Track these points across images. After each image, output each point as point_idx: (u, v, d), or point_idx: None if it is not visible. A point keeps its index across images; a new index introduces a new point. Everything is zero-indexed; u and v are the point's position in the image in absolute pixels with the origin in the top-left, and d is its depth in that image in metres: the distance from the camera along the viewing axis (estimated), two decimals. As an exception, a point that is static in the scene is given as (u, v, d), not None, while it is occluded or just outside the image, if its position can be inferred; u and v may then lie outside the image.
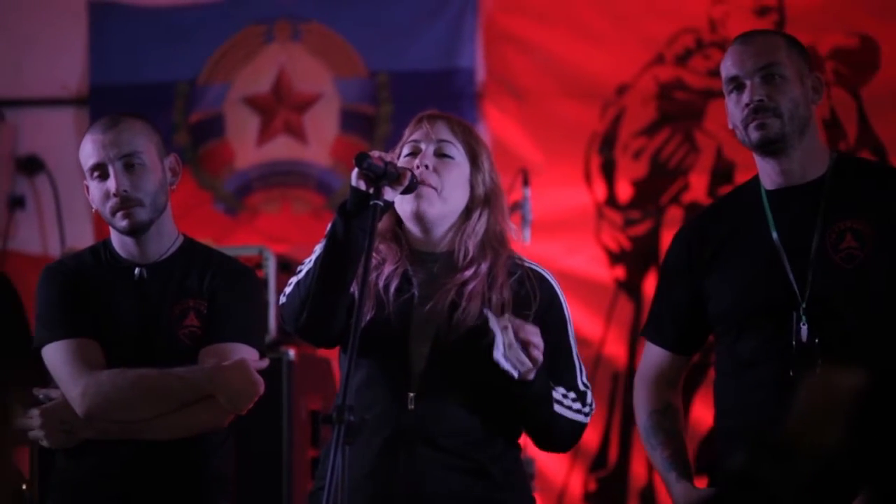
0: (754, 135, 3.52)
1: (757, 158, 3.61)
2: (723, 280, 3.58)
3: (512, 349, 3.25)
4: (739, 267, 3.57)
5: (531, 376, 3.29)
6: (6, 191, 6.65)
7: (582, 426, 3.46)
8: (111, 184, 3.66)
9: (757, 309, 3.53)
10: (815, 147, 3.57)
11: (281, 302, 3.45)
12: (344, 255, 3.29)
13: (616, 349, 6.29)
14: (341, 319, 3.37)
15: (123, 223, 3.68)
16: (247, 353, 3.68)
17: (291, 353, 5.19)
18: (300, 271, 3.41)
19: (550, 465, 6.16)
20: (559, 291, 3.49)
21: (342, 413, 3.00)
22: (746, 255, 3.57)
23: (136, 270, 3.72)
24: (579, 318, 6.07)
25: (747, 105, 3.52)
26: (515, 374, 3.27)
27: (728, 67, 3.57)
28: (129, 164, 3.66)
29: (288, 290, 3.43)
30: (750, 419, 3.51)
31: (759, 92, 3.51)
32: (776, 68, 3.53)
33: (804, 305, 3.47)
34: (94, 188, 3.70)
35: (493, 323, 3.26)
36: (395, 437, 3.35)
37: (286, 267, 5.36)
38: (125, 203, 3.66)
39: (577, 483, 6.28)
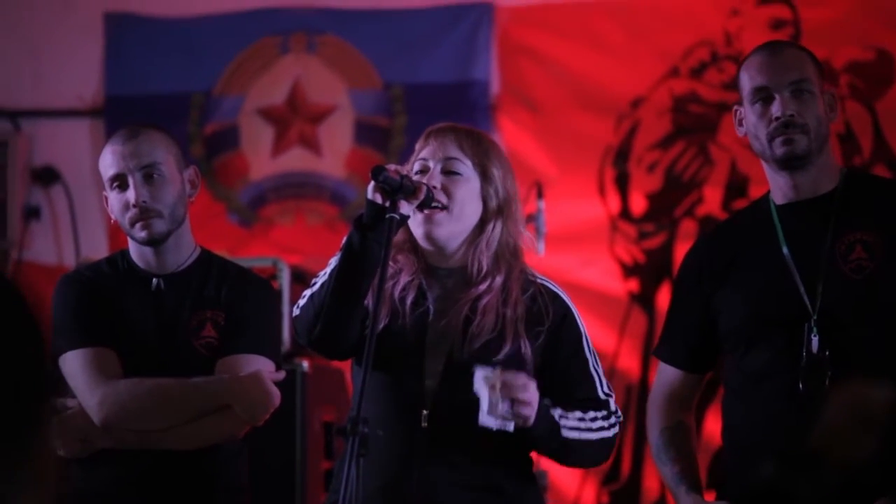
0: (780, 150, 3.50)
1: (769, 172, 3.59)
2: (733, 294, 3.57)
3: (498, 408, 3.23)
4: (749, 281, 3.56)
5: (529, 423, 3.28)
6: (22, 201, 6.66)
7: (609, 441, 3.43)
8: (130, 195, 3.67)
9: (767, 322, 3.52)
10: (829, 163, 3.57)
11: (294, 314, 3.44)
12: (359, 267, 3.29)
13: (629, 362, 6.29)
14: (355, 332, 3.36)
15: (142, 234, 3.69)
16: (263, 365, 3.68)
17: (305, 364, 5.20)
18: (314, 284, 3.40)
19: (563, 478, 6.15)
20: (572, 306, 3.47)
21: (356, 425, 3.00)
22: (757, 269, 3.56)
23: (154, 281, 3.73)
24: (593, 331, 6.01)
25: (776, 119, 3.49)
26: (510, 428, 3.26)
27: (755, 77, 3.53)
28: (149, 175, 3.67)
29: (302, 302, 3.42)
30: (759, 432, 3.50)
31: (790, 107, 3.48)
32: (806, 84, 3.50)
33: (815, 317, 3.45)
34: (114, 199, 3.71)
35: (479, 383, 3.24)
36: (408, 455, 3.34)
37: (300, 278, 5.36)
38: (144, 214, 3.67)
39: (589, 496, 6.27)
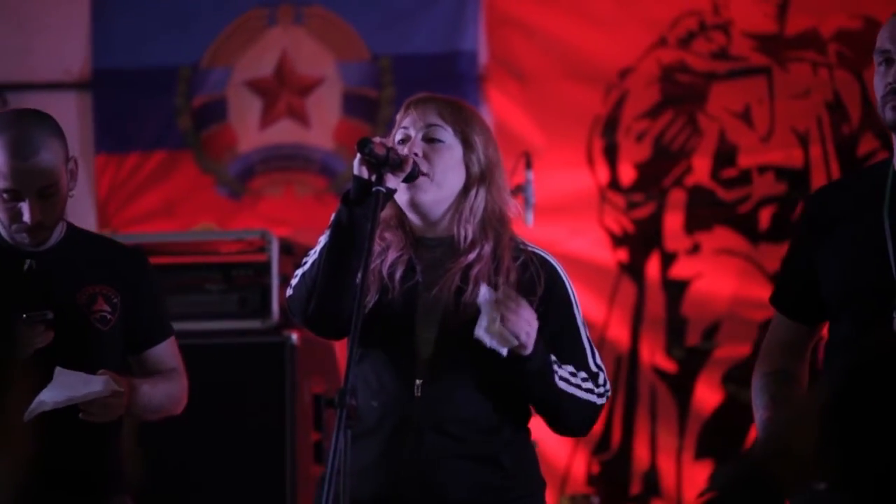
0: (889, 114, 3.44)
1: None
2: (831, 256, 3.47)
3: (496, 325, 3.21)
4: (844, 247, 3.44)
5: (526, 352, 3.27)
6: (9, 175, 6.65)
7: (595, 407, 3.40)
8: (25, 214, 3.58)
9: (852, 293, 3.42)
10: None
11: (288, 294, 3.42)
12: (349, 243, 3.28)
13: (619, 332, 6.30)
14: (348, 309, 3.33)
15: (26, 242, 3.64)
16: (175, 345, 3.81)
17: (294, 336, 5.20)
18: (306, 263, 3.39)
19: (554, 449, 6.17)
20: (563, 274, 3.46)
21: (343, 397, 3.00)
22: (854, 235, 3.44)
23: (27, 263, 3.67)
24: (582, 301, 5.99)
25: (889, 84, 3.46)
26: (503, 352, 3.25)
27: (882, 38, 3.43)
28: (45, 196, 3.59)
29: (294, 281, 3.41)
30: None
31: None
32: None
33: None
34: (1, 203, 3.61)
35: (482, 297, 3.23)
36: (402, 425, 3.33)
37: (289, 250, 5.37)
38: (35, 229, 3.61)
39: (580, 466, 6.29)
